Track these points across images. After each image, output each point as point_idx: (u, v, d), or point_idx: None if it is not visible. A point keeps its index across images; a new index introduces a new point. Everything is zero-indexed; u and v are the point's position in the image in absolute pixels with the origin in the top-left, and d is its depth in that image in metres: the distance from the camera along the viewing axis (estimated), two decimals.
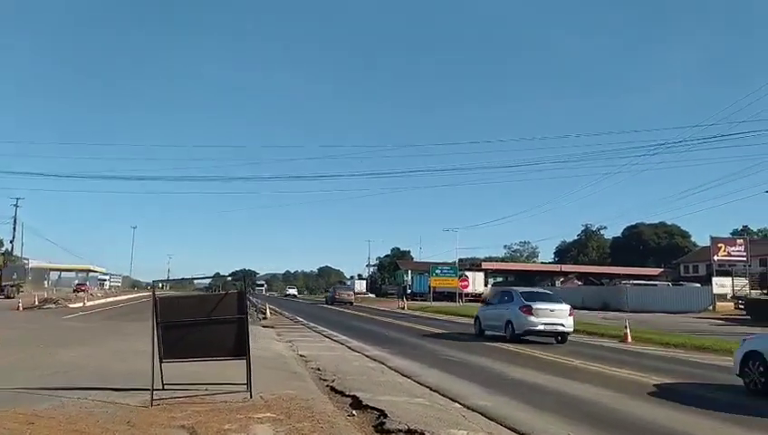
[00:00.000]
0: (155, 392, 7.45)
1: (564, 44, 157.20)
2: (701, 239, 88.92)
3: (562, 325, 19.49)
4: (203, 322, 7.81)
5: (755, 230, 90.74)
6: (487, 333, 21.47)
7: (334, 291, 66.76)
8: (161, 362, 7.81)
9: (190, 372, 8.63)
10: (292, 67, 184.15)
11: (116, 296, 56.24)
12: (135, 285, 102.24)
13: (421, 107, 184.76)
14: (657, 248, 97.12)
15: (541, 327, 19.31)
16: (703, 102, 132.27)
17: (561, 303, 20.50)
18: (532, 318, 19.24)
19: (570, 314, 19.81)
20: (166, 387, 7.86)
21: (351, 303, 59.87)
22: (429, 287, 63.93)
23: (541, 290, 24.85)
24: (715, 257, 50.72)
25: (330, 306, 53.75)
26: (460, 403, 8.67)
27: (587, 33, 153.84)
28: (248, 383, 7.75)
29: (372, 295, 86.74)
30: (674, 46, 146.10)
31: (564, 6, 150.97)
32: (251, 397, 7.70)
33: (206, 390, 8.14)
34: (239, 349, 7.82)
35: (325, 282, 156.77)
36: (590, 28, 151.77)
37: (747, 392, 10.48)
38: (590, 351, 17.70)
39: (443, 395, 9.33)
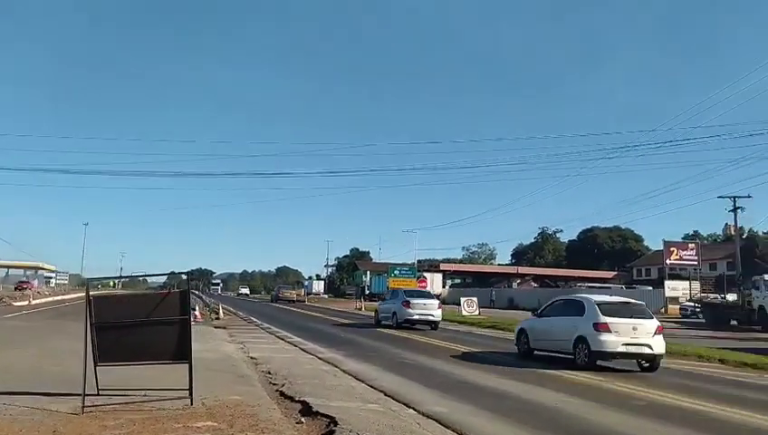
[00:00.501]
0: (88, 398, 6.96)
1: (523, 51, 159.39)
2: (653, 243, 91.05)
3: (432, 316, 25.68)
4: (142, 323, 7.30)
5: (705, 235, 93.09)
6: (383, 323, 27.36)
7: (278, 290, 75.21)
8: (96, 365, 7.29)
9: (130, 376, 8.09)
10: (258, 64, 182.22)
11: (64, 295, 54.40)
12: (84, 283, 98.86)
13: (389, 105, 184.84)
14: (611, 252, 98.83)
15: (416, 317, 25.48)
16: (660, 109, 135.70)
17: (433, 299, 27.45)
18: (410, 310, 25.51)
19: (438, 308, 26.46)
20: (101, 392, 7.36)
21: (293, 301, 65.27)
22: (388, 288, 63.72)
23: (420, 290, 34.36)
24: (668, 261, 51.73)
25: (284, 307, 53.38)
26: (415, 409, 8.33)
27: (543, 40, 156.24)
28: (190, 389, 7.27)
29: (326, 296, 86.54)
30: (631, 53, 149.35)
31: (519, 14, 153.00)
32: (192, 404, 7.22)
33: (145, 395, 7.63)
34: (181, 352, 7.34)
35: (283, 282, 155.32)
36: (545, 35, 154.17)
37: (518, 356, 16.19)
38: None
39: (397, 400, 8.98)
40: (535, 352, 16.01)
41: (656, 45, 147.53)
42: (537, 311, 17.36)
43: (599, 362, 13.73)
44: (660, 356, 14.11)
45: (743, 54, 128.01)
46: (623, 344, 13.55)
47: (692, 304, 44.90)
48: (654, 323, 14.15)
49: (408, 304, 25.49)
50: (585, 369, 13.36)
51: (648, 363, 14.13)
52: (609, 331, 13.59)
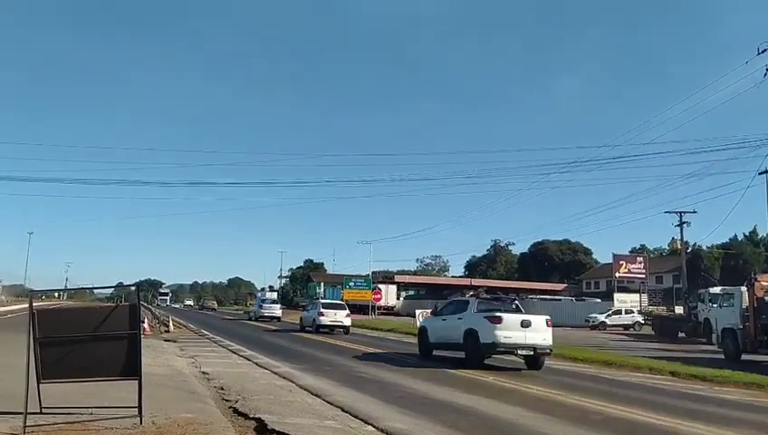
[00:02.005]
0: (31, 417, 6.56)
1: (477, 65, 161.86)
2: (602, 256, 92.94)
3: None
4: (89, 337, 6.97)
5: (651, 249, 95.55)
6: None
7: (203, 301, 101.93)
8: (39, 382, 6.91)
9: (76, 393, 7.71)
10: (216, 74, 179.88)
11: (6, 306, 52.32)
12: (21, 294, 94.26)
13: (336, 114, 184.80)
14: (561, 264, 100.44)
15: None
16: (610, 124, 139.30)
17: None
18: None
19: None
20: (44, 411, 6.96)
21: (214, 309, 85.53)
22: (342, 300, 63.43)
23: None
24: (617, 274, 52.81)
25: (235, 319, 52.72)
26: (373, 426, 8.14)
27: (497, 54, 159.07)
28: (139, 407, 6.95)
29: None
30: (583, 69, 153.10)
31: (473, 28, 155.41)
32: (141, 422, 6.89)
33: (92, 414, 7.27)
34: (130, 368, 7.02)
35: (235, 293, 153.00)
36: (499, 49, 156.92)
37: (299, 330, 33.62)
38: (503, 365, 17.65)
39: (355, 416, 8.77)
40: (306, 328, 32.69)
41: (607, 61, 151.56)
42: (305, 309, 37.95)
43: (320, 330, 30.89)
44: (349, 327, 31.68)
45: (692, 71, 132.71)
46: (330, 321, 31.13)
47: (594, 316, 47.94)
48: (346, 312, 32.03)
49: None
50: (315, 334, 30.08)
51: (343, 329, 31.30)
52: (324, 315, 31.21)
